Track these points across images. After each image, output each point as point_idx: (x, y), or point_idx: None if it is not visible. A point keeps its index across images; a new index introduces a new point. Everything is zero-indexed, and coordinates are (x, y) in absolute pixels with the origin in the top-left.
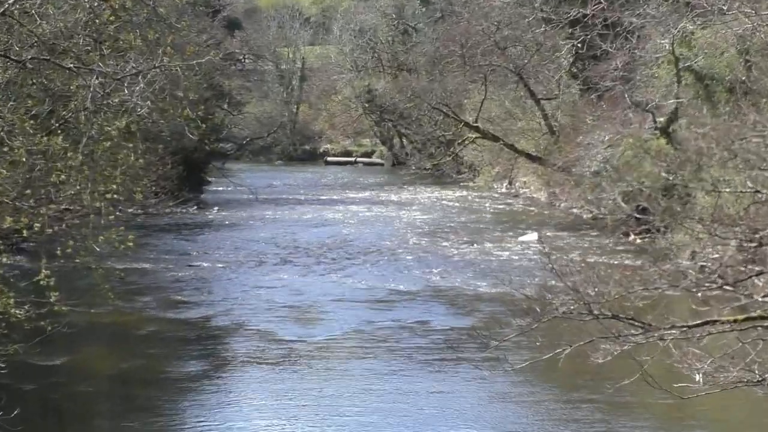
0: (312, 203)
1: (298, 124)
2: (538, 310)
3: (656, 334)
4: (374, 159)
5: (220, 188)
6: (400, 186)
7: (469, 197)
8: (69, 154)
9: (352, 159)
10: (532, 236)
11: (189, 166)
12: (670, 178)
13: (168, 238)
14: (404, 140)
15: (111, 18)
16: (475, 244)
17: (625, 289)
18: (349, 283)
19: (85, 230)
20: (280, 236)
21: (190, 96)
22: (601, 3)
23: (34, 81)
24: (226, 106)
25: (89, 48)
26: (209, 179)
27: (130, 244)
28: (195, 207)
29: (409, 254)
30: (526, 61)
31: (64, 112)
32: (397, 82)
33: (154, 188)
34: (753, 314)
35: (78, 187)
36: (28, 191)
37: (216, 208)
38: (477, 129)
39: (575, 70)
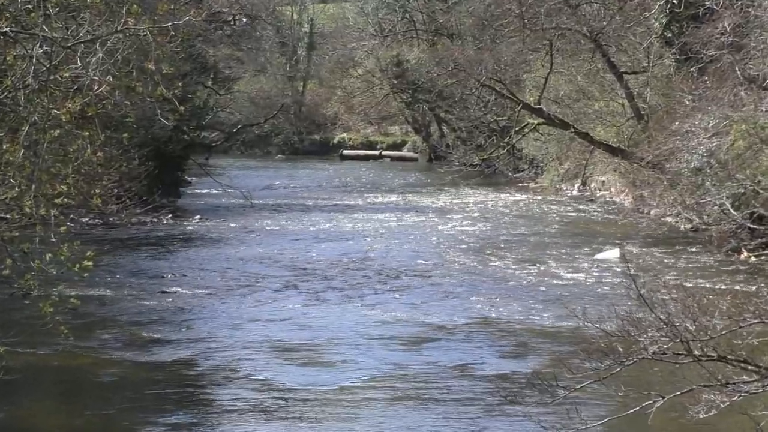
0: (323, 210)
1: (306, 107)
2: (621, 349)
3: None
4: (405, 152)
5: (203, 190)
6: (438, 188)
7: (530, 202)
8: (5, 146)
9: (376, 152)
10: (612, 253)
11: (162, 162)
12: None
13: (135, 257)
14: (444, 128)
15: None
16: (537, 264)
17: (736, 322)
18: (372, 314)
19: (26, 245)
20: (282, 254)
21: (163, 69)
22: None
23: None
24: (210, 83)
25: (30, 6)
26: (188, 179)
27: (88, 263)
28: (170, 215)
29: (450, 277)
30: (604, 23)
31: None
32: (434, 52)
33: (116, 191)
34: None
35: (17, 190)
36: None
37: (197, 216)
38: (540, 112)
39: (670, 35)
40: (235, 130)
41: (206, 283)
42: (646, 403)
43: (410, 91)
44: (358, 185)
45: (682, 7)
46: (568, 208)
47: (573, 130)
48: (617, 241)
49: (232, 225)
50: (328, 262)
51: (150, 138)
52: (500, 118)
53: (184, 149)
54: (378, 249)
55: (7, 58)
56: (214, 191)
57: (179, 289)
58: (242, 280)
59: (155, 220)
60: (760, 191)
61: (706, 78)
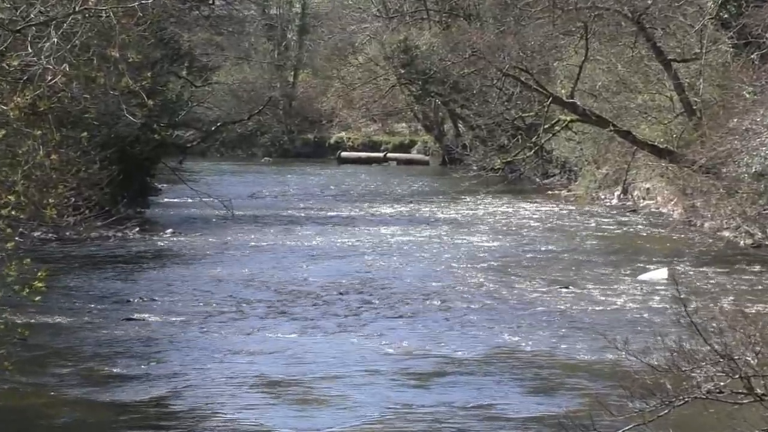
0: (318, 223)
1: (297, 101)
2: (670, 387)
3: None
4: (414, 154)
5: (176, 199)
6: (454, 196)
7: (562, 213)
8: None
9: (380, 154)
10: (659, 274)
11: (128, 166)
12: None
13: (95, 277)
14: (461, 125)
15: None
16: (570, 287)
17: None
18: (375, 345)
19: None
20: (269, 274)
21: (129, 57)
22: None
23: None
24: (185, 73)
25: None
26: (159, 186)
27: (39, 285)
28: (137, 229)
29: (467, 302)
30: (649, 1)
31: None
32: (449, 36)
33: (73, 200)
34: None
35: None
36: None
37: (169, 230)
38: (573, 107)
39: (726, 16)
40: (213, 129)
41: (180, 308)
42: None
43: (420, 83)
44: (358, 193)
45: None
46: (607, 220)
47: (612, 128)
48: (665, 260)
49: (211, 240)
50: (324, 283)
51: (114, 138)
52: (526, 115)
53: (153, 151)
54: (382, 268)
55: None
56: (189, 200)
57: (148, 316)
58: (222, 305)
59: (119, 234)
60: None
61: None
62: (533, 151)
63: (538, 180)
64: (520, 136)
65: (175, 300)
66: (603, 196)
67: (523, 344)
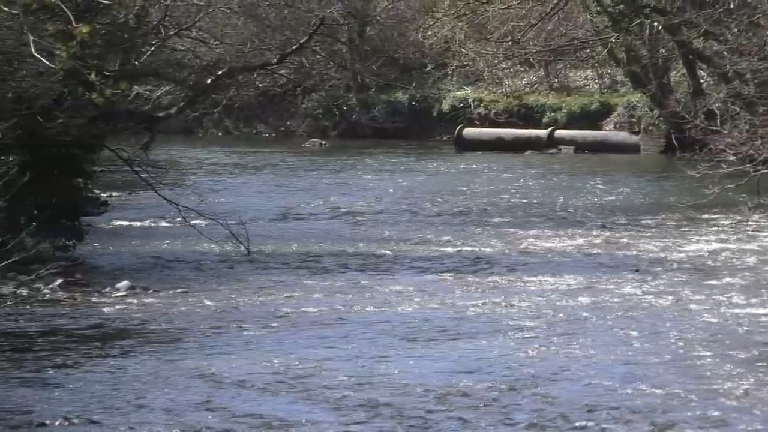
0: (420, 269)
1: (377, 28)
2: None
3: None
4: (610, 132)
5: (136, 222)
6: (691, 216)
7: None
8: None
9: (543, 132)
10: None
11: (39, 158)
12: None
13: None
14: (704, 74)
15: None
16: None
17: None
18: None
19: None
20: (333, 373)
21: None
22: None
23: None
24: None
25: None
26: (102, 196)
27: None
28: (59, 281)
29: None
30: None
31: None
32: None
33: None
34: None
35: None
36: None
37: (123, 284)
38: None
39: None
40: (210, 82)
41: None
42: None
43: None
44: (497, 210)
45: None
46: None
47: None
48: None
49: (206, 304)
50: (447, 391)
51: (13, 100)
52: None
53: (88, 128)
54: (555, 359)
55: None
56: (163, 224)
57: None
58: None
59: (24, 292)
60: None
61: None
62: None
63: None
64: None
65: (130, 424)
66: None
67: None
